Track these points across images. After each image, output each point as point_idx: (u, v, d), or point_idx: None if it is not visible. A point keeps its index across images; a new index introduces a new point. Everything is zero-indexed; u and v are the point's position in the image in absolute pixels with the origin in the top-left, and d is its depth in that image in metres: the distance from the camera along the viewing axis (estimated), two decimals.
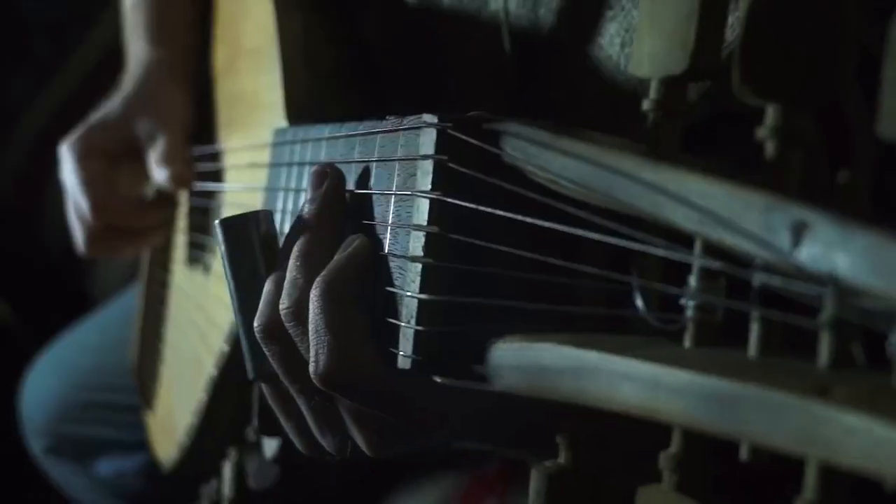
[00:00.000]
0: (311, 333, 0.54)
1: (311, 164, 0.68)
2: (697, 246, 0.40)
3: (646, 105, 0.45)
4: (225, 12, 1.02)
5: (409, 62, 0.81)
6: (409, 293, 0.50)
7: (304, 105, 0.80)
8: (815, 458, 0.34)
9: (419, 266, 0.50)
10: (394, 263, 0.53)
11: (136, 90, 1.02)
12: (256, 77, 0.90)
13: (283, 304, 0.58)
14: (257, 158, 0.83)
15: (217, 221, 0.65)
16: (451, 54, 0.77)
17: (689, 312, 0.41)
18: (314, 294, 0.54)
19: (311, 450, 0.63)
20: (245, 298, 0.63)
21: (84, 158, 0.99)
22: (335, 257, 0.56)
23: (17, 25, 1.74)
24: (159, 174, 0.97)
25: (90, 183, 0.98)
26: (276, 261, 0.62)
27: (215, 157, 0.97)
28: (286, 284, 0.58)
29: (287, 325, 0.57)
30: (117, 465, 1.20)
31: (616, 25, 0.65)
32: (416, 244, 0.50)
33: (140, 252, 1.13)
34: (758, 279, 0.38)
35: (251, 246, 0.64)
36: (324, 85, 0.82)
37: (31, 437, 1.26)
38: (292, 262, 0.58)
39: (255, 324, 0.60)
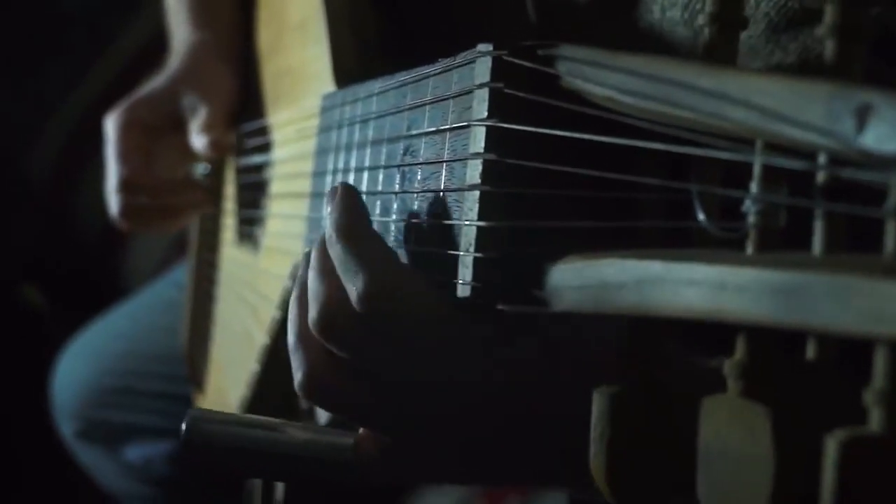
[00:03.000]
0: (342, 272, 0.53)
1: (363, 120, 0.69)
2: (758, 145, 0.40)
3: (700, 20, 0.45)
4: None
5: (439, 31, 0.81)
6: (467, 221, 0.51)
7: (351, 70, 0.80)
8: (885, 337, 0.34)
9: (477, 194, 0.50)
10: (450, 198, 0.53)
11: (181, 67, 1.03)
12: (303, 49, 0.91)
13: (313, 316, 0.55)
14: (304, 127, 0.84)
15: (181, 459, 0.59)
16: (478, 23, 0.77)
17: (752, 218, 0.42)
18: (332, 243, 0.54)
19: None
20: None
21: (125, 130, 1.00)
22: (331, 213, 0.56)
23: (55, 18, 1.76)
24: (198, 141, 0.99)
25: (125, 156, 1.00)
26: (246, 419, 0.59)
27: (263, 131, 0.98)
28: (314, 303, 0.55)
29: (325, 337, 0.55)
30: (146, 451, 1.21)
31: (654, 17, 0.64)
32: (474, 173, 0.51)
33: (173, 230, 1.14)
34: (822, 172, 0.38)
35: (226, 436, 0.57)
36: (370, 50, 0.83)
37: (62, 421, 1.27)
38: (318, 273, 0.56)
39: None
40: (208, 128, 1.00)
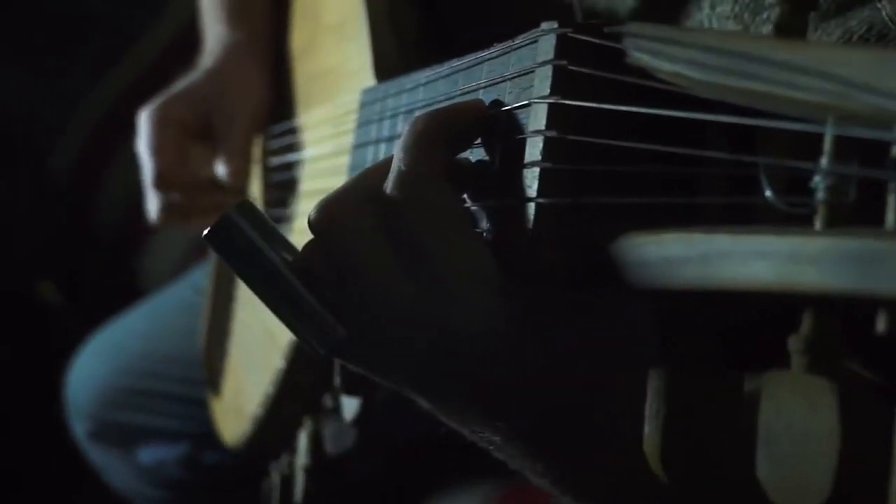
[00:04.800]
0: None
1: (409, 110, 0.69)
2: (831, 119, 0.40)
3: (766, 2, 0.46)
4: None
5: (478, 29, 0.82)
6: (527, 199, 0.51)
7: (392, 67, 0.81)
8: None
9: (537, 171, 0.50)
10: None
11: (216, 67, 1.04)
12: (339, 49, 0.91)
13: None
14: (341, 124, 0.84)
15: (203, 235, 0.57)
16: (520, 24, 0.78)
17: (820, 194, 0.41)
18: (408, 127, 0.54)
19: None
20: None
21: (160, 126, 1.00)
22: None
23: (80, 12, 1.77)
24: (220, 170, 1.00)
25: (159, 151, 1.00)
26: (285, 244, 0.58)
27: (293, 131, 0.98)
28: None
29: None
30: (159, 454, 1.21)
31: (703, 13, 0.65)
32: (534, 150, 0.51)
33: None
34: None
35: (251, 241, 0.56)
36: (410, 49, 0.83)
37: (75, 420, 1.27)
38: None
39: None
40: (229, 157, 1.00)
